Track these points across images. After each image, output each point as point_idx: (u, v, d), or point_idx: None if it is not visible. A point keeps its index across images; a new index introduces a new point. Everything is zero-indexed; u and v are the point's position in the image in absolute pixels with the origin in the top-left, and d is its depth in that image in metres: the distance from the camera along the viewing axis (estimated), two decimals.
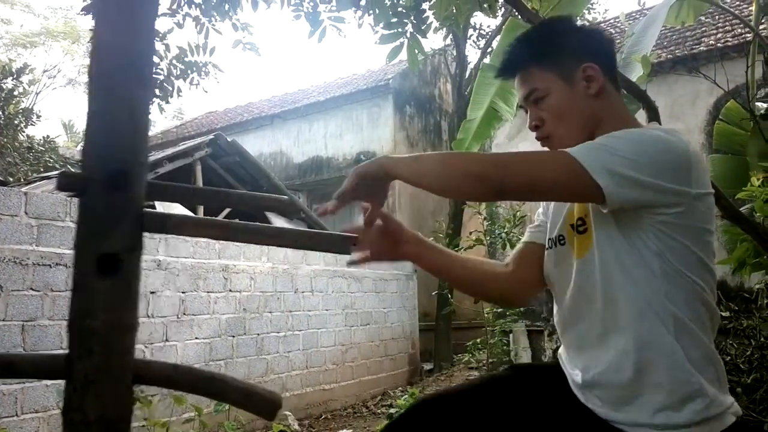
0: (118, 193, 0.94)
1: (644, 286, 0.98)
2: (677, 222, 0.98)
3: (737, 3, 8.45)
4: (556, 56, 1.11)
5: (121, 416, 0.96)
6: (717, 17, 8.06)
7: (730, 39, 7.44)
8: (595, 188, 0.92)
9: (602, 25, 10.80)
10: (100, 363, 0.92)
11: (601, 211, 1.01)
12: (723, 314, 3.77)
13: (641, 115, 2.70)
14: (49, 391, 3.88)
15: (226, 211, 6.67)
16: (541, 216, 1.27)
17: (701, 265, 1.00)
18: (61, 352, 0.95)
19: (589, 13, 12.01)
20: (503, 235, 6.85)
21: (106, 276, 0.93)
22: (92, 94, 1.00)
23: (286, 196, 1.11)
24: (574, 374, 1.08)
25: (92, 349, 0.93)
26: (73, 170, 1.05)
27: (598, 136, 1.03)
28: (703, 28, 8.04)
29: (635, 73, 2.81)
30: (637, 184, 0.93)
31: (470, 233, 7.08)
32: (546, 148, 1.14)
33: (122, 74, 0.98)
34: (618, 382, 1.00)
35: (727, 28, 7.80)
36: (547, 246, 1.18)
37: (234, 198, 1.16)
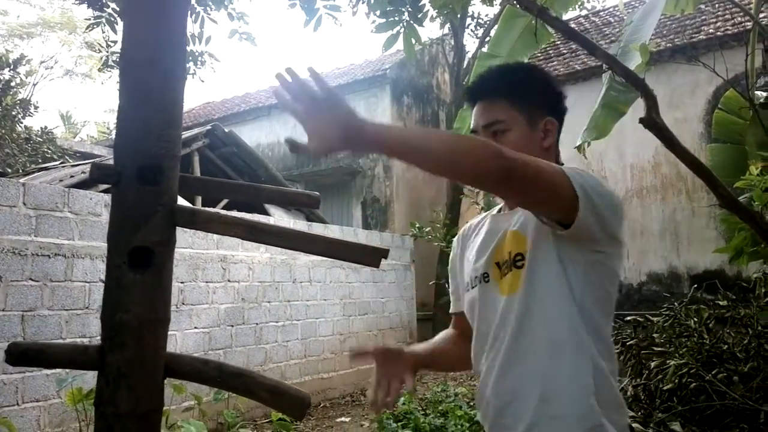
0: (150, 187, 0.93)
1: (566, 322, 1.02)
2: (605, 263, 1.06)
3: None
4: (530, 99, 1.15)
5: (152, 409, 0.95)
6: (716, 5, 8.01)
7: (730, 27, 7.40)
8: (575, 201, 0.96)
9: (601, 13, 10.73)
10: (133, 356, 0.92)
11: (543, 246, 1.05)
12: (720, 303, 3.79)
13: (639, 104, 2.69)
14: (50, 381, 3.90)
15: (224, 201, 6.66)
16: (450, 279, 1.32)
17: (610, 309, 1.08)
18: (93, 343, 0.93)
19: (588, 1, 11.94)
20: None
21: (138, 269, 0.92)
22: (122, 86, 0.97)
23: (311, 191, 1.10)
24: (485, 412, 1.10)
25: (124, 342, 0.92)
26: (105, 162, 1.04)
27: None
28: (703, 17, 7.99)
29: (634, 62, 2.80)
30: (598, 213, 0.99)
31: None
32: None
33: (152, 67, 0.95)
34: (519, 412, 1.02)
35: (726, 16, 7.76)
36: (470, 286, 1.18)
37: (265, 193, 1.15)
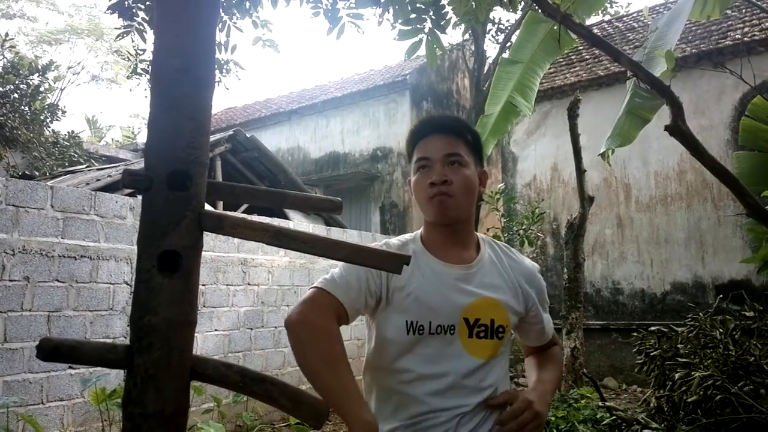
0: (179, 193, 0.95)
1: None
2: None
3: None
4: (479, 149, 1.33)
5: (178, 411, 0.95)
6: (744, 11, 7.87)
7: (758, 33, 7.26)
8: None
9: (624, 18, 10.62)
10: (160, 358, 0.92)
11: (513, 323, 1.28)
12: (747, 314, 3.70)
13: (664, 111, 2.66)
14: (74, 380, 3.98)
15: (245, 205, 6.73)
16: (363, 277, 1.24)
17: None
18: (121, 342, 0.96)
19: (612, 7, 11.82)
20: (521, 231, 6.80)
21: (166, 273, 0.94)
22: (153, 94, 1.01)
23: (334, 197, 1.12)
24: None
25: (152, 344, 0.93)
26: (136, 169, 1.07)
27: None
28: (729, 22, 7.85)
29: (659, 69, 2.76)
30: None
31: (487, 230, 7.05)
32: (440, 198, 1.24)
33: (182, 75, 0.97)
34: None
35: (754, 21, 7.61)
36: (424, 330, 1.19)
37: (290, 198, 1.17)
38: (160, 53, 1.01)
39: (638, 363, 3.92)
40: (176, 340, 0.97)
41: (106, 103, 36.75)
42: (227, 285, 5.19)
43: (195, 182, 0.99)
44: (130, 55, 4.26)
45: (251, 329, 5.38)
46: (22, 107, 10.08)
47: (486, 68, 10.17)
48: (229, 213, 1.16)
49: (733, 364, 3.26)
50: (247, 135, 7.59)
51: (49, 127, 10.79)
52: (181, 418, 0.99)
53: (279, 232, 1.02)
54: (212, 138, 7.38)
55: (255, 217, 5.44)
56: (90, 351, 0.97)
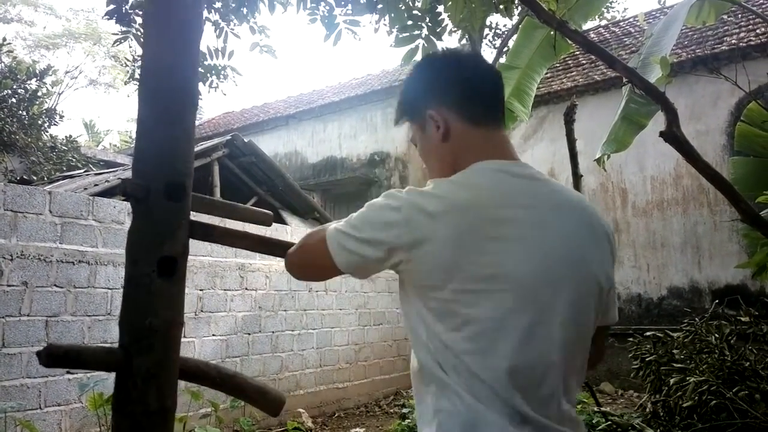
0: (176, 203, 1.03)
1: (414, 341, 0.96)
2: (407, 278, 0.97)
3: (760, 1, 8.30)
4: (411, 107, 1.09)
5: (172, 406, 1.05)
6: (739, 16, 7.93)
7: (753, 38, 7.31)
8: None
9: (621, 23, 10.68)
10: (161, 358, 1.00)
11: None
12: (742, 319, 3.72)
13: (660, 116, 2.68)
14: (71, 385, 3.98)
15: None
16: None
17: (440, 323, 0.91)
18: (117, 346, 1.01)
19: (608, 12, 11.90)
20: None
21: (165, 277, 1.01)
22: (142, 108, 1.07)
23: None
24: None
25: (153, 345, 1.00)
26: (134, 179, 1.14)
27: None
28: (725, 27, 7.91)
29: (654, 75, 2.79)
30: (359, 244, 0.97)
31: None
32: None
33: (171, 90, 1.05)
34: None
35: (749, 27, 7.67)
36: None
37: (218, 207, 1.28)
38: (147, 67, 1.08)
39: (634, 368, 3.94)
40: (173, 341, 1.05)
41: (103, 108, 36.88)
42: (225, 290, 5.19)
43: (187, 193, 1.07)
44: (128, 60, 4.28)
45: (249, 334, 5.38)
46: (20, 112, 10.08)
47: None
48: (216, 224, 1.25)
49: (728, 369, 3.27)
50: (245, 140, 7.60)
51: (47, 131, 10.79)
52: (172, 413, 1.08)
53: (262, 240, 1.10)
54: (210, 143, 7.39)
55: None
56: (97, 355, 1.04)
